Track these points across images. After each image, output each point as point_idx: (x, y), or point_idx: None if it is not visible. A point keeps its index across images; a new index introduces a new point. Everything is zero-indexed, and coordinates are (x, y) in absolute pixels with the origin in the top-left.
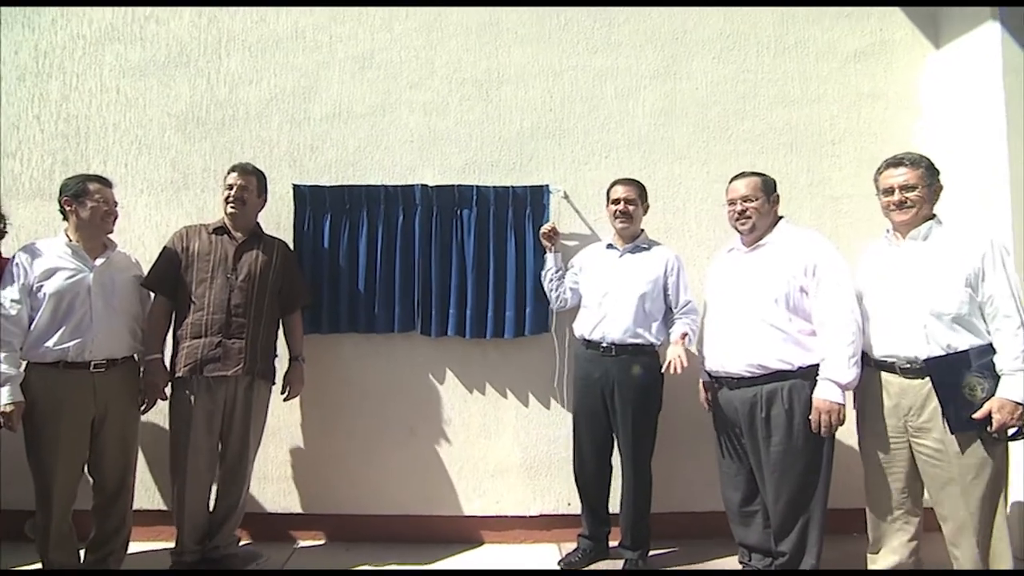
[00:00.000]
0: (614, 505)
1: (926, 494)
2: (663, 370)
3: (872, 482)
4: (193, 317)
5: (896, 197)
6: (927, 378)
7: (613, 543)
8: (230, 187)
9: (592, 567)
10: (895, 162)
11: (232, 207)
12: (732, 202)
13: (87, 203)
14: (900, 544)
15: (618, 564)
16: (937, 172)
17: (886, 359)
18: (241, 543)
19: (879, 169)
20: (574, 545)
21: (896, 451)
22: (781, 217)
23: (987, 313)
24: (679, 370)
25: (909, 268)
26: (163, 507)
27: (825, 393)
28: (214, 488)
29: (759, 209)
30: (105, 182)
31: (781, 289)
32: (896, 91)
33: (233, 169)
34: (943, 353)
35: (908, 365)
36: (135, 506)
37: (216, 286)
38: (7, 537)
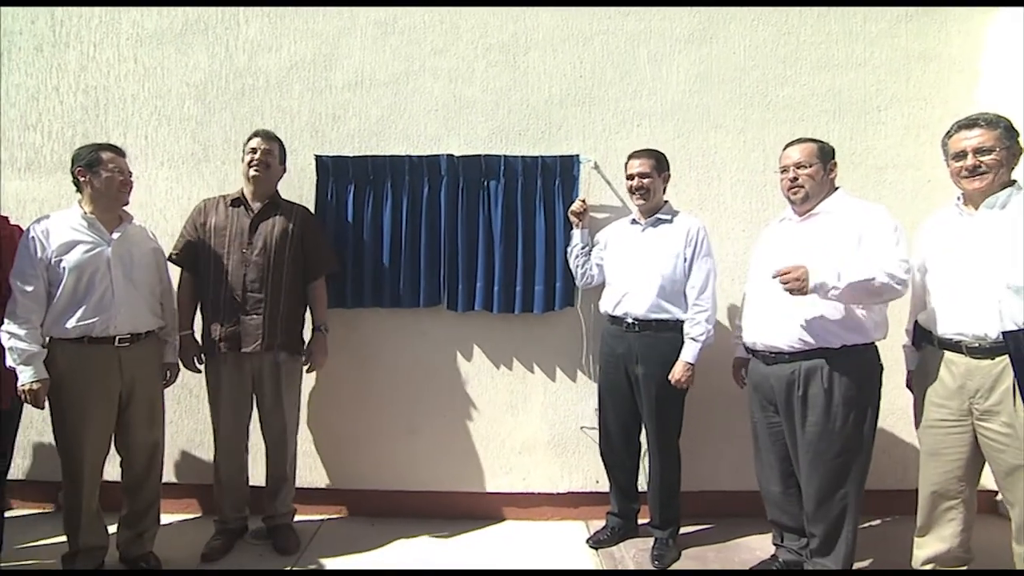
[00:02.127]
0: (643, 483)
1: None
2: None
3: (928, 467)
4: (212, 294)
5: (969, 161)
6: (997, 358)
7: (643, 520)
8: (253, 151)
9: (621, 544)
10: (969, 123)
11: (255, 170)
12: (784, 169)
13: (101, 173)
14: (951, 533)
15: (648, 542)
16: (1016, 133)
17: (952, 337)
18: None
19: (948, 132)
20: (603, 523)
21: (958, 435)
22: (838, 188)
23: None
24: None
25: (983, 239)
26: (192, 481)
27: (828, 280)
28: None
29: (813, 176)
30: (118, 151)
31: (833, 261)
32: (951, 52)
33: (256, 134)
34: (1018, 328)
35: (977, 344)
36: (166, 479)
37: (232, 261)
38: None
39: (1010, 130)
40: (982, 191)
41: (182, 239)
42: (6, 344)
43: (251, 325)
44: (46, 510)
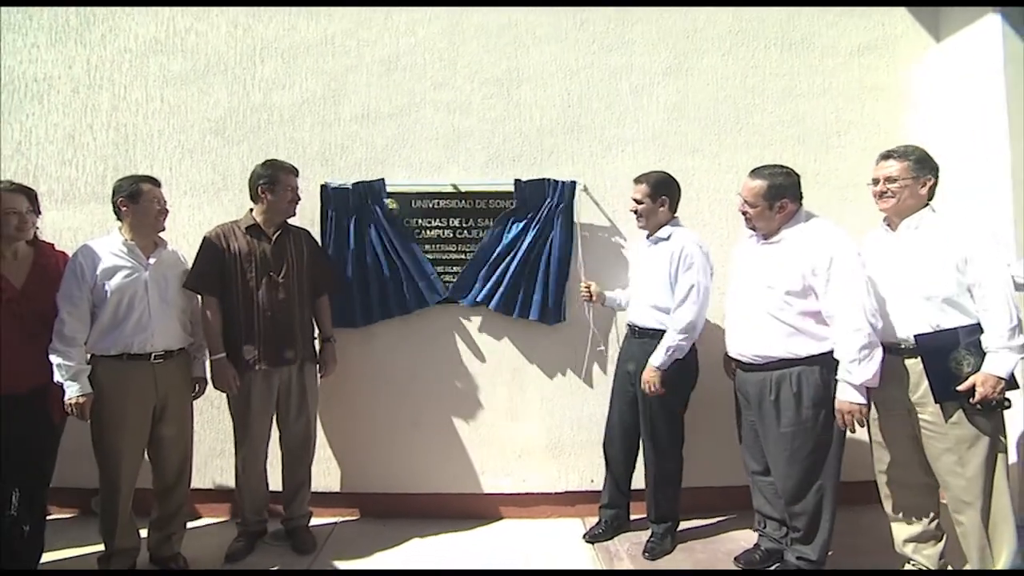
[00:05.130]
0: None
1: None
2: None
3: (880, 455)
4: (244, 316)
5: (878, 188)
6: (920, 358)
7: (641, 515)
8: (294, 188)
9: (616, 539)
10: (886, 154)
11: (295, 207)
12: (739, 195)
13: (142, 203)
14: (918, 514)
15: (643, 536)
16: (927, 165)
17: (887, 341)
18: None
19: (876, 160)
20: (597, 519)
21: (900, 425)
22: (800, 210)
23: (976, 295)
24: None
25: (903, 255)
26: (214, 487)
27: (844, 394)
28: (278, 467)
29: (755, 217)
30: (155, 182)
31: (790, 285)
32: (898, 84)
33: (293, 171)
34: (931, 331)
35: (903, 345)
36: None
37: (264, 284)
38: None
39: (920, 161)
40: (889, 211)
41: (207, 265)
42: (55, 362)
43: (286, 341)
44: (72, 514)
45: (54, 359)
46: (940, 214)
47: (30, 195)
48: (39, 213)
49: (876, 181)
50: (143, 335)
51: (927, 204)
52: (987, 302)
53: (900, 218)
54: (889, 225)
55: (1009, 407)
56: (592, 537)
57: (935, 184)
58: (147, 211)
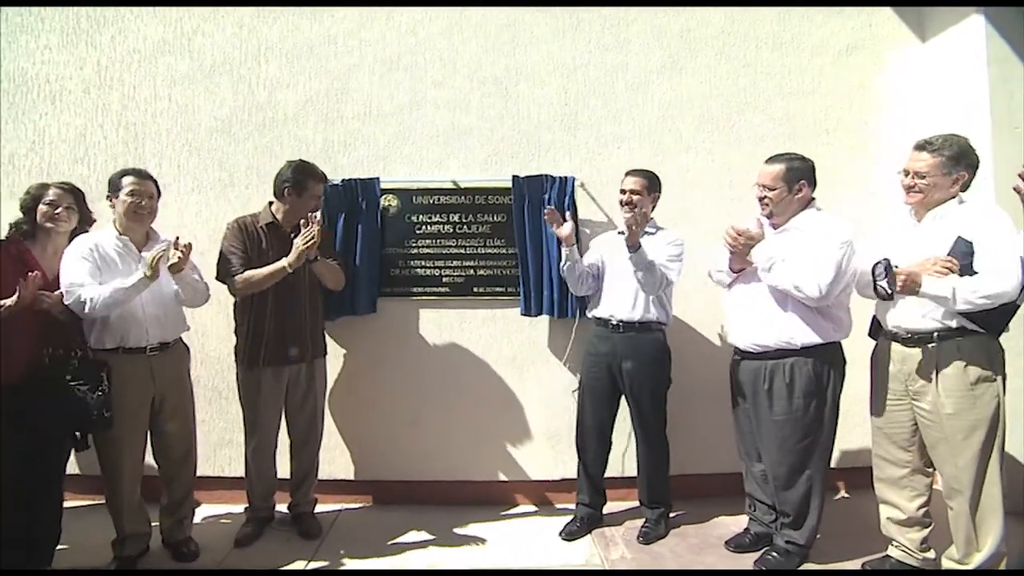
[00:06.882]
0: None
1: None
2: None
3: (878, 439)
4: (256, 312)
5: (907, 181)
6: (921, 348)
7: (631, 503)
8: (318, 196)
9: (589, 536)
10: (920, 145)
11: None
12: (757, 185)
13: (122, 196)
14: (906, 498)
15: (637, 522)
16: (963, 160)
17: (893, 329)
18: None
19: (912, 148)
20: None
21: (900, 411)
22: (813, 200)
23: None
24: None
25: (920, 246)
26: (223, 474)
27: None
28: (285, 455)
29: (774, 200)
30: (141, 174)
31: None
32: (884, 83)
33: (322, 179)
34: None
35: (908, 335)
36: (201, 473)
37: (284, 283)
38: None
39: (955, 157)
40: (914, 205)
41: (239, 256)
42: (105, 299)
43: (296, 339)
44: (95, 502)
45: (105, 299)
46: (967, 204)
47: (76, 195)
48: (89, 221)
49: (906, 173)
50: (138, 330)
51: (956, 196)
52: (984, 273)
53: (926, 210)
54: (914, 215)
55: (886, 299)
56: (568, 535)
57: (971, 179)
58: (123, 205)
